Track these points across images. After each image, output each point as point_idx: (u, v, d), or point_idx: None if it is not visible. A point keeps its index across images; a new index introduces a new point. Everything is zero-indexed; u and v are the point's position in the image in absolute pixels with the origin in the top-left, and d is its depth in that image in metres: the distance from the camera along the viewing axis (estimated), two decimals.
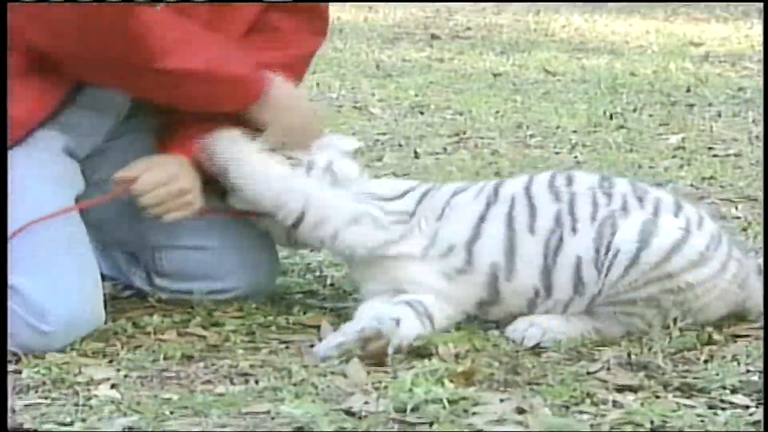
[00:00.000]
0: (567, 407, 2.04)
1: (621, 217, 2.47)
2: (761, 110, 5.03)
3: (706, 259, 2.42)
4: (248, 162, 2.58)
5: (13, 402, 2.08)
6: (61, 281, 2.38)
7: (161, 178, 2.52)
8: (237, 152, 2.58)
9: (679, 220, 2.46)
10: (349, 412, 2.00)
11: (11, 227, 2.39)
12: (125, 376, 2.25)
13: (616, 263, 2.36)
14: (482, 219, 2.49)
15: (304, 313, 2.62)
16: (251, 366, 2.31)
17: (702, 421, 1.98)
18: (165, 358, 2.35)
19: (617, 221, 2.46)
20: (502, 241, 2.47)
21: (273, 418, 1.98)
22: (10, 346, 2.32)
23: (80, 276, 2.46)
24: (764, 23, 7.11)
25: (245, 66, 2.63)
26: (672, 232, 2.42)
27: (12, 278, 2.37)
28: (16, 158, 2.49)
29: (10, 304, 2.35)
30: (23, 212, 2.43)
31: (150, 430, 1.96)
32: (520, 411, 2.00)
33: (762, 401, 2.18)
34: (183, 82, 2.57)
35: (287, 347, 2.44)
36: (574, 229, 2.45)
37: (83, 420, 1.96)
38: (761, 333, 2.53)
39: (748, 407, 2.09)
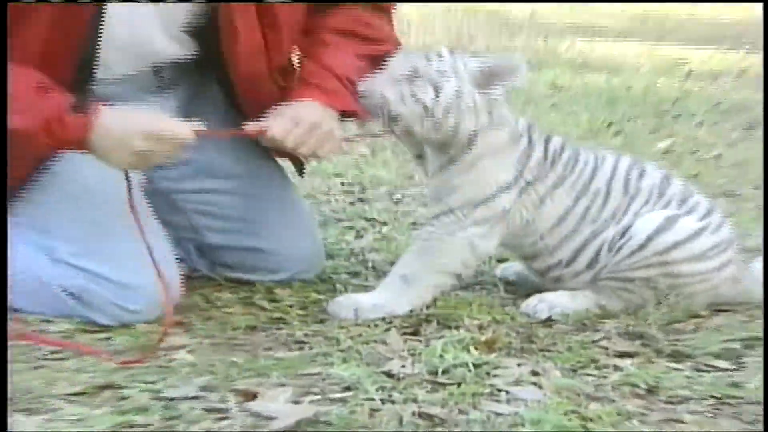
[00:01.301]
0: (574, 370, 2.08)
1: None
2: (738, 119, 5.07)
3: (706, 258, 2.43)
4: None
5: (108, 364, 2.12)
6: (144, 267, 2.32)
7: (289, 122, 2.36)
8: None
9: (698, 222, 2.45)
10: (388, 374, 2.03)
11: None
12: (199, 343, 2.29)
13: (626, 246, 2.39)
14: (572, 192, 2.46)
15: (348, 290, 2.61)
16: (305, 335, 2.32)
17: (689, 381, 2.03)
18: (232, 329, 2.38)
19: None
20: (569, 216, 2.46)
21: (324, 379, 2.00)
22: (99, 319, 2.32)
23: (160, 261, 2.37)
24: (764, 23, 7.07)
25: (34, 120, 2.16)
26: (684, 230, 2.43)
27: (98, 267, 2.33)
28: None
29: (94, 287, 2.32)
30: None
31: (226, 385, 1.99)
32: (534, 374, 2.04)
33: (742, 365, 2.16)
34: None
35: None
36: (618, 221, 2.45)
37: (164, 379, 1.99)
38: (740, 307, 2.51)
39: (728, 370, 2.14)
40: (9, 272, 2.34)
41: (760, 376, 2.09)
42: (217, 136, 2.40)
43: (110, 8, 2.27)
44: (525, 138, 2.49)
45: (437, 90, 2.36)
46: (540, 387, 1.98)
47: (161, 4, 2.35)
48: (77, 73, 2.31)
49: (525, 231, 2.48)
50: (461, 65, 2.40)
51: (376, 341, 2.27)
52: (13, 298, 2.38)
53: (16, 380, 1.94)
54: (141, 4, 2.34)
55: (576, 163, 2.49)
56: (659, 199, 2.48)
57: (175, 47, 2.48)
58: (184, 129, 2.18)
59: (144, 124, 2.17)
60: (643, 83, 6.24)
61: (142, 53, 2.45)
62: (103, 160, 2.19)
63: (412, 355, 2.18)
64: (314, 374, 2.05)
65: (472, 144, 2.41)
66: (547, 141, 2.51)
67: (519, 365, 2.10)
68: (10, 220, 2.39)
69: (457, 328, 2.30)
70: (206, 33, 2.47)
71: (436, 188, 2.51)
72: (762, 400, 1.96)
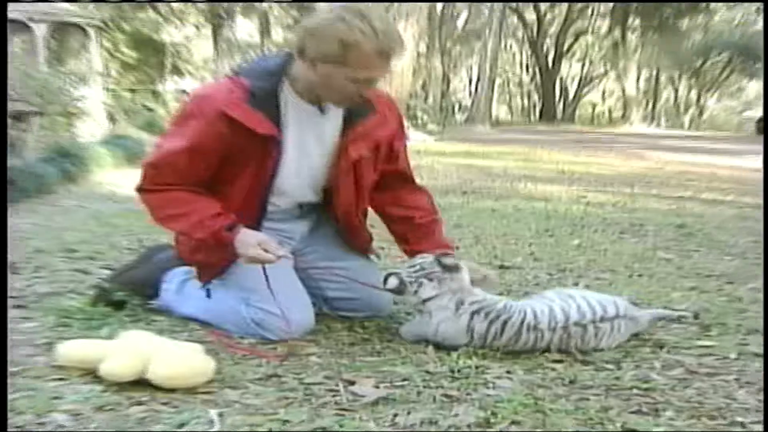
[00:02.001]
0: (530, 370, 2.64)
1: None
2: (615, 228, 6.32)
3: (597, 327, 2.84)
4: None
5: (274, 362, 2.71)
6: (295, 308, 2.99)
7: None
8: None
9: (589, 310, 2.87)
10: (427, 371, 2.62)
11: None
12: (325, 349, 2.91)
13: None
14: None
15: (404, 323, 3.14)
16: (381, 347, 2.93)
17: (592, 376, 2.60)
18: (342, 343, 2.98)
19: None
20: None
21: (391, 374, 2.60)
22: (269, 336, 2.95)
23: (304, 299, 3.07)
24: (764, 24, 7.58)
25: (205, 233, 2.91)
26: (575, 314, 2.85)
27: (270, 308, 2.96)
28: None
29: (268, 318, 2.96)
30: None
31: (339, 376, 2.58)
32: (508, 372, 2.61)
33: (620, 368, 2.69)
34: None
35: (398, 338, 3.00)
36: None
37: (304, 372, 2.62)
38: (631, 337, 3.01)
39: (613, 370, 2.70)
40: (221, 311, 3.08)
41: (633, 373, 2.66)
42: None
43: (284, 170, 2.98)
44: None
45: None
46: (511, 380, 2.58)
47: (312, 172, 3.07)
48: (259, 209, 3.05)
49: None
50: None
51: (421, 352, 2.85)
52: (223, 325, 3.05)
53: (225, 370, 2.58)
54: (301, 172, 3.04)
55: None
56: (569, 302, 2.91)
57: (313, 195, 3.17)
58: (266, 256, 2.86)
59: (253, 244, 2.87)
60: (563, 207, 7.40)
61: (297, 197, 3.15)
62: (238, 255, 2.90)
63: (440, 359, 2.76)
64: (385, 371, 2.65)
65: None
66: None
67: (500, 367, 2.69)
68: (223, 284, 3.12)
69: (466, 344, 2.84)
70: (326, 189, 3.15)
71: None
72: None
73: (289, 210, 3.21)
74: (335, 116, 3.02)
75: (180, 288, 3.24)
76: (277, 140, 2.91)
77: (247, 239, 2.87)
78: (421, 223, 3.25)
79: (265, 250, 2.86)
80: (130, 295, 3.29)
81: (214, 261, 3.06)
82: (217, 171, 2.96)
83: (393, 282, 2.99)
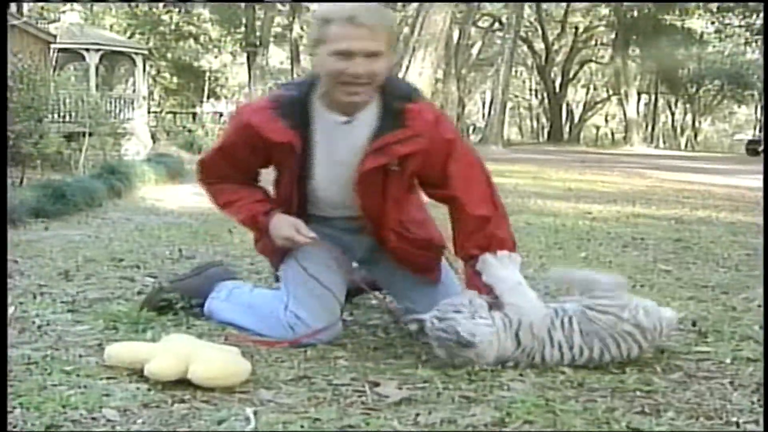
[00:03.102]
0: (539, 374, 2.66)
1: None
2: (619, 241, 6.24)
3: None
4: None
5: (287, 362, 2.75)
6: (321, 316, 3.02)
7: None
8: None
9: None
10: (446, 374, 2.62)
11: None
12: (351, 353, 2.93)
13: None
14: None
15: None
16: (404, 351, 2.93)
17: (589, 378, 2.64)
18: (367, 347, 3.01)
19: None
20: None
21: (413, 375, 2.62)
22: (289, 340, 2.93)
23: (333, 308, 3.09)
24: (764, 25, 7.57)
25: (244, 215, 3.10)
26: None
27: (302, 314, 3.00)
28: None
29: (300, 324, 2.98)
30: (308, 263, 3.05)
31: (364, 377, 2.59)
32: (521, 375, 2.63)
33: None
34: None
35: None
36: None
37: (326, 375, 2.62)
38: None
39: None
40: (261, 314, 3.11)
41: (636, 377, 2.63)
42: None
43: (316, 178, 3.01)
44: None
45: None
46: (523, 382, 2.58)
47: (344, 181, 3.01)
48: (298, 215, 3.07)
49: None
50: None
51: (439, 356, 2.79)
52: (260, 330, 3.08)
53: (259, 372, 2.61)
54: (333, 181, 3.04)
55: None
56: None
57: (350, 206, 3.10)
58: (300, 237, 2.98)
59: (287, 226, 3.00)
60: (570, 222, 7.47)
61: (337, 207, 3.13)
62: (272, 236, 3.03)
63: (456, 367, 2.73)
64: (408, 373, 2.66)
65: None
66: None
67: (513, 370, 2.69)
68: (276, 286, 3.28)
69: None
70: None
71: None
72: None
73: (345, 221, 3.18)
74: (367, 126, 2.94)
75: (227, 297, 3.28)
76: (294, 148, 2.91)
77: (281, 222, 3.00)
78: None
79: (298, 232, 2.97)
80: (177, 301, 3.32)
81: (270, 251, 3.20)
82: (257, 170, 3.18)
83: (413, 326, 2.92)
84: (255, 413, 2.26)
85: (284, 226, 2.99)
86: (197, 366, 2.44)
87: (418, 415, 2.26)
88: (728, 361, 2.91)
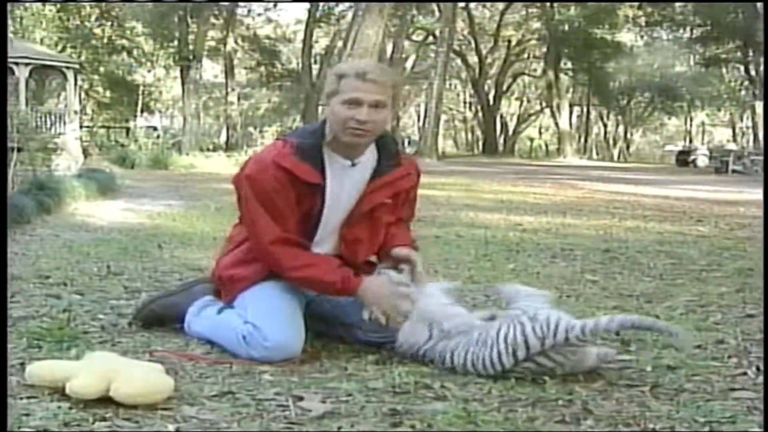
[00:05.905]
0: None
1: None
2: (548, 252, 6.48)
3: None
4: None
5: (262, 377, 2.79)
6: (283, 325, 3.08)
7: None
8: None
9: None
10: (368, 387, 2.70)
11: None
12: (276, 367, 2.90)
13: None
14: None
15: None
16: (331, 364, 2.97)
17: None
18: (293, 362, 2.98)
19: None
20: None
21: (337, 389, 2.64)
22: (250, 353, 3.00)
23: (293, 323, 3.14)
24: (765, 26, 7.70)
25: (336, 276, 3.14)
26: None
27: (260, 325, 3.04)
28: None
29: (248, 332, 3.03)
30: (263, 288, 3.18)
31: (288, 392, 2.59)
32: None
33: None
34: (304, 283, 3.23)
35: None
36: None
37: (250, 390, 2.63)
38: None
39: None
40: (221, 327, 3.19)
41: (558, 386, 2.67)
42: None
43: (323, 220, 3.23)
44: None
45: None
46: (446, 396, 2.62)
47: (337, 222, 3.27)
48: (308, 239, 3.24)
49: None
50: None
51: (363, 370, 2.91)
52: (219, 342, 3.17)
53: (183, 388, 2.58)
54: (329, 224, 3.25)
55: None
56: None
57: (324, 246, 3.31)
58: (405, 305, 3.13)
59: (382, 296, 3.17)
60: (501, 234, 7.61)
61: (325, 246, 3.31)
62: (363, 301, 3.17)
63: (382, 376, 2.83)
64: (331, 387, 2.67)
65: None
66: None
67: (437, 383, 2.73)
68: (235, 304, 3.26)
69: None
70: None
71: None
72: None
73: (326, 240, 3.38)
74: (368, 168, 3.28)
75: (199, 311, 3.37)
76: (323, 189, 3.17)
77: (374, 287, 3.19)
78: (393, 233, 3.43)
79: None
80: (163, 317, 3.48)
81: (249, 274, 3.24)
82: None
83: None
84: (177, 430, 2.26)
85: (384, 294, 3.17)
86: (119, 383, 2.43)
87: (340, 428, 2.29)
88: (649, 369, 2.97)
